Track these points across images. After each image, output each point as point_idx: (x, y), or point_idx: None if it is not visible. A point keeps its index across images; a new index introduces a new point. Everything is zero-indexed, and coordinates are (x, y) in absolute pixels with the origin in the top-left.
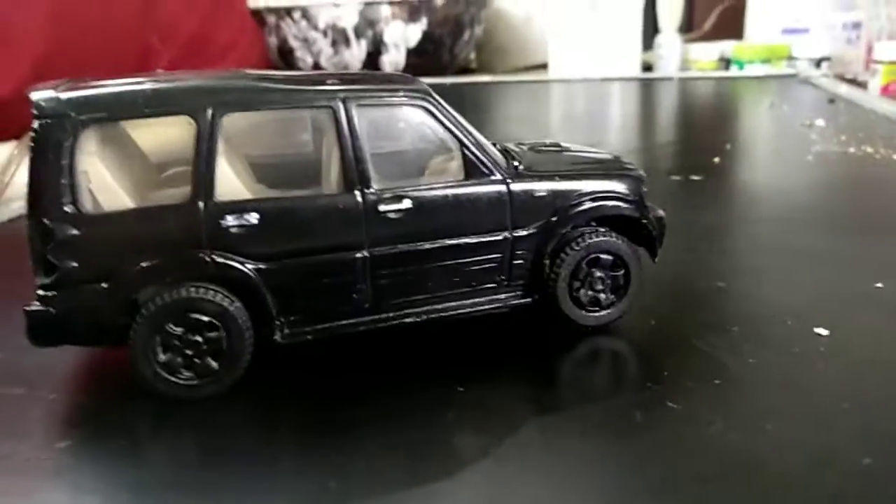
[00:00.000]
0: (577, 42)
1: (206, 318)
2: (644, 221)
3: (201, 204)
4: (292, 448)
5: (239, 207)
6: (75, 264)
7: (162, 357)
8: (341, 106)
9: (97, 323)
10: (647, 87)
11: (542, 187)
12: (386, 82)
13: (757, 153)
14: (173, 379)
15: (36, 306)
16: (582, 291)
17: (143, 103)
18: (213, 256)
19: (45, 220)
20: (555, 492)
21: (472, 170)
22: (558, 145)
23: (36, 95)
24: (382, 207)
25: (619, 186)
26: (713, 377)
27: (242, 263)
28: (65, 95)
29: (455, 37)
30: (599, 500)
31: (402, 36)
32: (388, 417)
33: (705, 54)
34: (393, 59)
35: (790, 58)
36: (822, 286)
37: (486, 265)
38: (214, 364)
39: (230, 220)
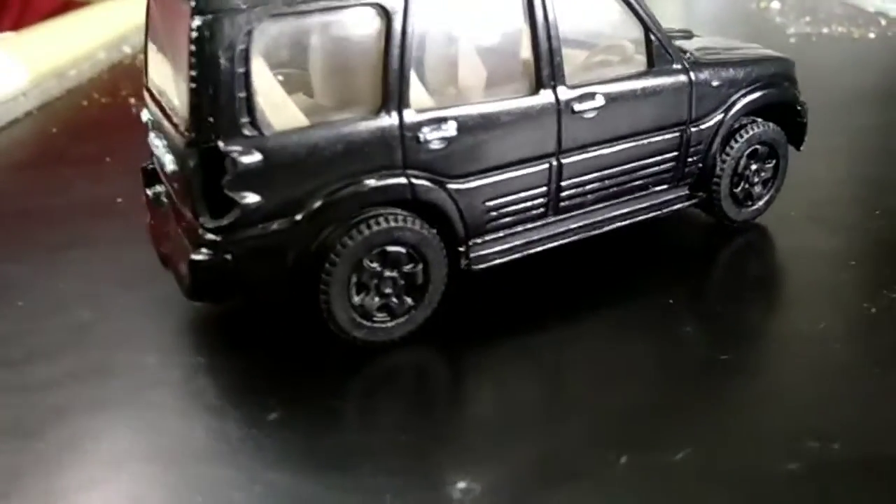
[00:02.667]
0: None
1: (404, 251)
2: (800, 108)
3: (394, 115)
4: (506, 398)
5: (437, 118)
6: (258, 198)
7: (356, 299)
8: None
9: (281, 268)
10: None
11: (717, 76)
12: None
13: (733, 36)
14: (368, 323)
15: (205, 254)
16: (741, 186)
17: None
18: (412, 178)
19: (221, 146)
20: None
21: (658, 58)
22: (690, 32)
23: None
24: (578, 107)
25: (780, 71)
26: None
27: (441, 184)
28: None
29: None
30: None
31: None
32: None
33: None
34: None
35: None
36: None
37: (664, 164)
38: (410, 301)
39: (428, 134)
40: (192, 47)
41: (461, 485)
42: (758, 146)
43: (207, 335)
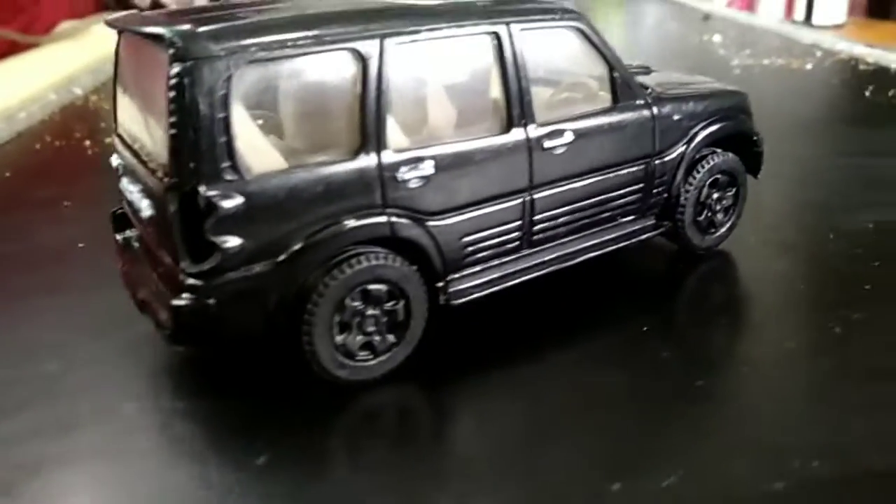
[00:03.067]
0: None
1: (385, 288)
2: (756, 138)
3: (373, 156)
4: (489, 433)
5: (414, 157)
6: (240, 242)
7: (338, 339)
8: (506, 30)
9: (264, 311)
10: None
11: (678, 109)
12: (539, 3)
13: (682, 69)
14: (351, 362)
15: (187, 299)
16: (704, 214)
17: (302, 37)
18: (392, 216)
19: (202, 191)
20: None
21: (622, 94)
22: (649, 68)
23: (169, 31)
24: (547, 143)
25: (736, 104)
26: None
27: (420, 222)
28: (207, 29)
29: None
30: None
31: None
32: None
33: None
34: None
35: None
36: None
37: (631, 196)
38: (392, 338)
39: (406, 173)
40: (172, 93)
41: None
42: (718, 175)
43: (185, 379)
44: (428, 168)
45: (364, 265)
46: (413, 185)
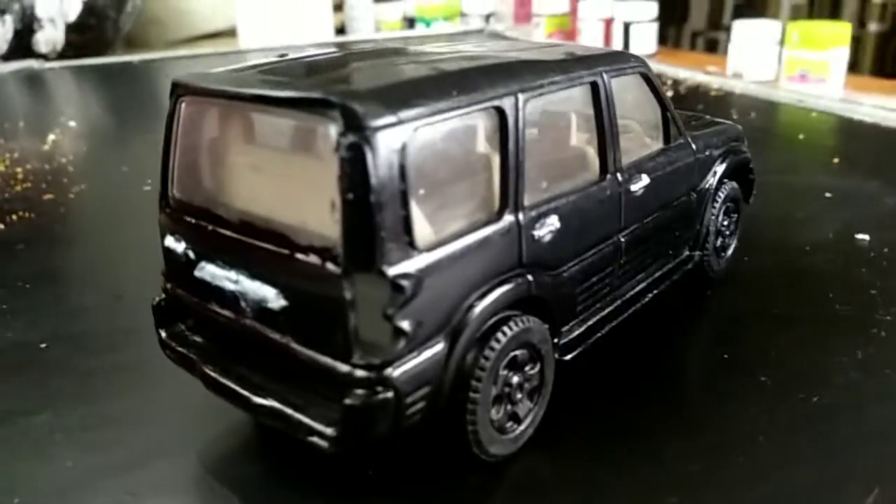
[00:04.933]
0: (264, 7)
1: (527, 353)
2: (752, 166)
3: (511, 216)
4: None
5: (544, 212)
6: (413, 324)
7: (493, 413)
8: (601, 79)
9: (433, 395)
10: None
11: (707, 145)
12: (614, 50)
13: None
14: (502, 436)
15: (362, 396)
16: (719, 240)
17: (457, 95)
18: (530, 275)
19: (389, 272)
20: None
21: (673, 135)
22: None
23: (334, 95)
24: (632, 187)
25: (737, 136)
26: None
27: (548, 277)
28: (374, 91)
29: (119, 8)
30: None
31: (58, 9)
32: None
33: (390, 14)
34: (49, 38)
35: (463, 14)
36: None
37: (681, 229)
38: (529, 404)
39: (539, 229)
40: (348, 167)
41: None
42: (729, 203)
43: (276, 487)
44: (555, 222)
45: (515, 330)
46: (546, 240)
